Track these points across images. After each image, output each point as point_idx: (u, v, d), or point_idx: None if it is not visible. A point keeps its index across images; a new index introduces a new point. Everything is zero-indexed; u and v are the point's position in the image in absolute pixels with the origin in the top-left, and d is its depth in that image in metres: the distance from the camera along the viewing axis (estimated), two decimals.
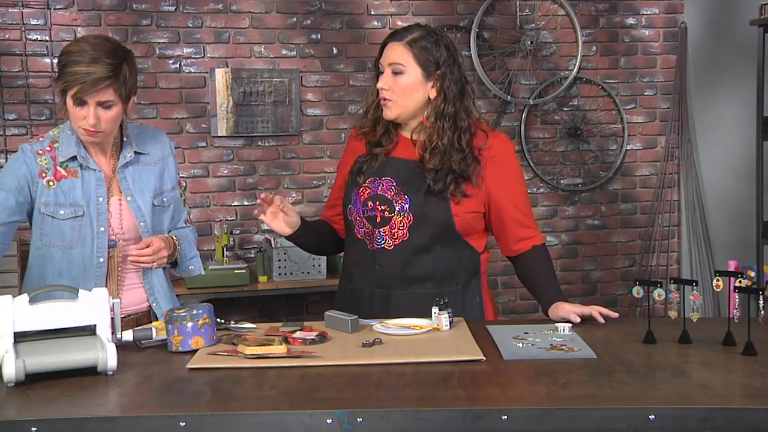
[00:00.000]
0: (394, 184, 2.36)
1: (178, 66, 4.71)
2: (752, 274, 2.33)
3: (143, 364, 1.92)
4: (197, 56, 4.73)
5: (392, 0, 4.92)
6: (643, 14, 5.25)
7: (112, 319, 1.92)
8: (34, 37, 4.51)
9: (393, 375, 1.80)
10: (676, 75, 5.21)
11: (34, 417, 1.58)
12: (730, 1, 4.87)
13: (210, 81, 4.74)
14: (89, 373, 1.80)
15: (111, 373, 1.81)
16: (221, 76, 4.73)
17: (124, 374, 1.83)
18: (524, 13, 5.09)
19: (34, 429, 1.55)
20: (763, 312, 2.04)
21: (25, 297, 1.86)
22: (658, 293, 2.05)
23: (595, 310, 2.23)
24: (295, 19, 4.83)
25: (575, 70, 5.11)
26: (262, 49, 4.80)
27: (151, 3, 4.64)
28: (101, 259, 2.31)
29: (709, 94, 5.08)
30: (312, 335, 2.07)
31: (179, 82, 4.72)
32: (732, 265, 2.66)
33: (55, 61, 4.43)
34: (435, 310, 2.16)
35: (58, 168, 2.31)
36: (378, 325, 2.18)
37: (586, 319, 2.24)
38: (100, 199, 2.32)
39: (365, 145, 2.44)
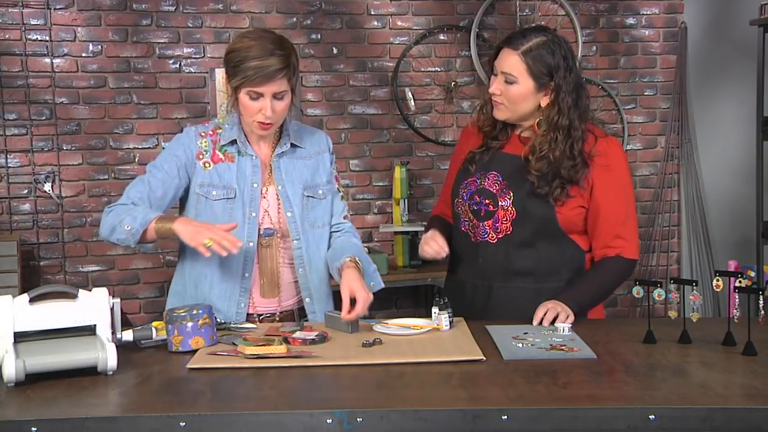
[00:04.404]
0: (500, 178, 2.38)
1: (178, 66, 4.71)
2: (752, 274, 2.32)
3: (143, 364, 1.92)
4: (197, 56, 4.72)
5: (392, 0, 4.92)
6: (643, 14, 5.24)
7: (112, 319, 1.92)
8: (34, 37, 4.51)
9: (393, 375, 1.80)
10: (676, 75, 5.21)
11: (34, 417, 1.58)
12: (730, 1, 4.87)
13: (210, 81, 4.73)
14: (89, 373, 1.81)
15: (111, 373, 1.81)
16: (221, 76, 4.69)
17: (124, 374, 1.83)
18: (524, 13, 5.08)
19: (34, 429, 1.55)
20: (763, 312, 2.04)
21: (25, 297, 1.86)
22: (658, 293, 2.05)
23: (562, 317, 2.18)
24: (295, 19, 4.82)
25: None
26: None
27: (151, 3, 4.63)
28: (251, 244, 2.34)
29: (709, 94, 5.07)
30: (312, 335, 2.07)
31: (179, 82, 4.72)
32: (732, 265, 2.66)
33: (55, 61, 4.54)
34: (435, 310, 2.16)
35: (216, 151, 2.38)
36: (378, 325, 2.19)
37: (586, 319, 2.24)
38: (255, 185, 2.35)
39: (482, 138, 2.47)
